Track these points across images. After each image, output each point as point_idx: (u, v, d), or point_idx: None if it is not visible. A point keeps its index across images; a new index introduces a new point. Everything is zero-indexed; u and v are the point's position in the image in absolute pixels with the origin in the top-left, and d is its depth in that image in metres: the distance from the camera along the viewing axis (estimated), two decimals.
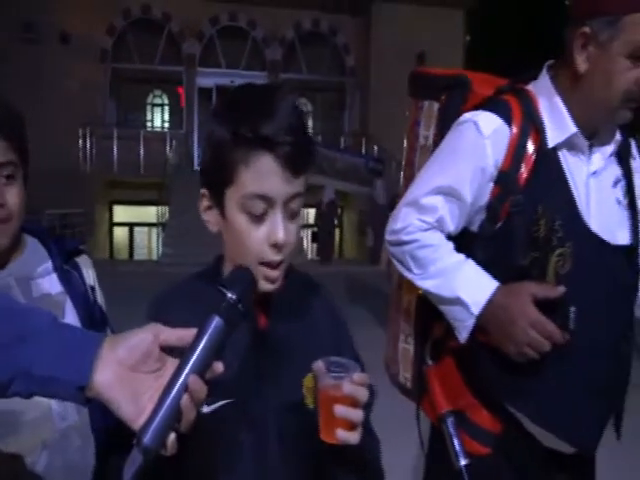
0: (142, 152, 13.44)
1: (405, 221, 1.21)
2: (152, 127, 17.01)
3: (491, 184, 1.14)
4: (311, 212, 12.44)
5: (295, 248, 0.83)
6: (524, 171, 1.11)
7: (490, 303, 1.11)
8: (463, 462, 1.17)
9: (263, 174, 0.76)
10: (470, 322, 1.13)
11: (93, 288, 1.12)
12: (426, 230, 1.19)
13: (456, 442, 1.19)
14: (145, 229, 16.22)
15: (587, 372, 1.11)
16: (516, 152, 1.12)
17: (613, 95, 1.07)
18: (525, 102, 1.14)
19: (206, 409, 0.71)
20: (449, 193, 1.17)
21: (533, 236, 1.09)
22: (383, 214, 9.12)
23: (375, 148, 13.68)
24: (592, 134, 1.16)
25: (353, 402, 0.73)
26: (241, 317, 0.64)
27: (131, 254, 15.91)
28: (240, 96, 0.81)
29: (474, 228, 1.19)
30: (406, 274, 1.24)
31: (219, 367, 0.62)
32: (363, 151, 14.14)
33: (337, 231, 13.39)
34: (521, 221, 1.10)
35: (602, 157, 1.17)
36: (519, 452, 1.18)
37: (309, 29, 15.40)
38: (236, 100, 0.81)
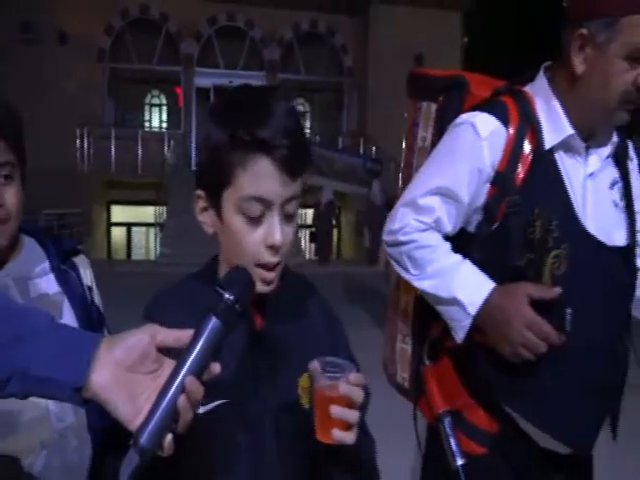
0: (140, 152, 13.42)
1: (402, 221, 1.21)
2: (150, 127, 17.00)
3: (488, 185, 1.15)
4: (309, 212, 12.44)
5: (292, 249, 0.83)
6: (521, 172, 1.12)
7: (486, 303, 1.11)
8: (460, 462, 1.18)
9: (260, 177, 0.76)
10: (467, 322, 1.13)
11: (90, 288, 1.12)
12: (423, 231, 1.19)
13: (453, 442, 1.20)
14: (143, 229, 16.20)
15: (584, 373, 1.11)
16: (513, 153, 1.12)
17: (610, 96, 1.07)
18: (522, 104, 1.15)
19: (201, 409, 0.70)
20: (446, 194, 1.17)
21: (529, 237, 1.10)
22: (380, 214, 9.12)
23: (373, 149, 13.69)
24: (589, 136, 1.16)
25: (349, 402, 0.74)
26: (238, 318, 0.63)
27: (129, 254, 15.89)
28: (237, 98, 0.81)
29: (471, 228, 1.19)
30: (403, 274, 1.24)
31: (216, 368, 0.62)
32: (361, 152, 14.14)
33: (335, 232, 13.39)
34: (517, 222, 1.11)
35: (599, 159, 1.18)
36: (516, 452, 1.18)
37: (307, 29, 15.41)
38: (233, 102, 0.81)
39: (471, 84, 1.25)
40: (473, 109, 1.18)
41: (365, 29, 14.64)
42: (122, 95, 15.97)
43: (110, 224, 15.43)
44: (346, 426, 0.74)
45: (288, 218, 0.81)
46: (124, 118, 16.30)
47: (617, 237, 1.16)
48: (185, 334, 0.61)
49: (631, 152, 1.26)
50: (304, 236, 13.74)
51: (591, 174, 1.16)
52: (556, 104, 1.14)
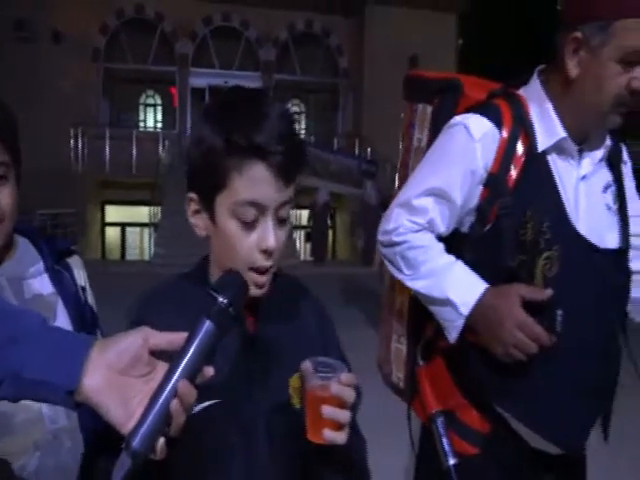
0: (134, 152, 13.39)
1: (396, 222, 1.22)
2: (145, 127, 16.96)
3: (481, 187, 1.15)
4: (304, 213, 12.44)
5: (286, 250, 0.83)
6: (513, 174, 1.12)
7: (479, 304, 1.12)
8: (452, 462, 1.18)
9: (255, 182, 0.77)
10: (459, 322, 1.14)
11: (84, 288, 1.12)
12: (417, 231, 1.20)
13: (445, 442, 1.20)
14: (137, 229, 16.16)
15: (575, 373, 1.12)
16: (505, 155, 1.13)
17: (604, 100, 1.08)
18: (516, 106, 1.15)
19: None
20: (440, 195, 1.18)
21: (521, 239, 1.11)
22: (375, 215, 9.14)
23: (368, 150, 13.71)
24: (582, 139, 1.17)
25: (340, 403, 0.74)
26: (232, 321, 0.63)
27: (123, 254, 15.85)
28: (231, 101, 0.81)
29: (464, 230, 1.20)
30: (397, 275, 1.24)
31: (209, 371, 0.61)
32: (356, 153, 14.16)
33: (330, 232, 13.40)
34: (509, 223, 1.11)
35: (592, 162, 1.18)
36: (508, 452, 1.19)
37: (302, 30, 15.42)
38: (227, 105, 0.80)
39: (465, 86, 1.25)
40: (467, 111, 1.19)
41: (360, 30, 14.66)
42: (117, 95, 15.93)
43: (104, 224, 15.38)
44: (337, 426, 0.74)
45: (281, 222, 0.81)
46: (119, 118, 16.26)
47: (609, 240, 1.17)
48: (178, 337, 0.61)
49: (625, 155, 1.26)
50: (299, 237, 13.74)
51: (584, 177, 1.17)
52: (549, 107, 1.15)
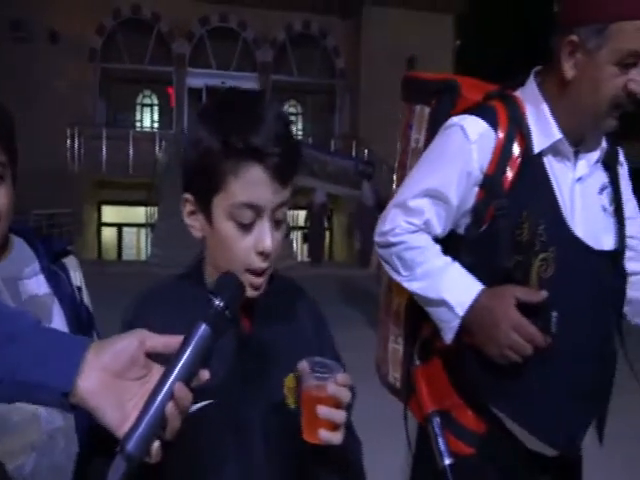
0: (131, 152, 13.37)
1: (393, 223, 1.22)
2: (141, 127, 16.93)
3: (476, 188, 1.16)
4: (301, 214, 12.44)
5: (283, 252, 0.84)
6: (509, 175, 1.13)
7: (474, 305, 1.12)
8: (447, 461, 1.18)
9: (252, 184, 0.77)
10: (455, 323, 1.14)
11: (80, 289, 1.11)
12: (413, 232, 1.20)
13: (441, 442, 1.20)
14: (134, 230, 16.13)
15: (570, 375, 1.12)
16: (501, 157, 1.13)
17: (600, 102, 1.08)
18: (512, 108, 1.16)
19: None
20: (436, 196, 1.18)
21: (516, 240, 1.11)
22: (371, 216, 9.14)
23: (365, 151, 13.72)
24: (578, 141, 1.17)
25: (336, 403, 0.74)
26: (228, 324, 0.63)
27: (119, 255, 15.81)
28: (228, 103, 0.81)
29: (460, 231, 1.20)
30: (394, 275, 1.25)
31: (205, 375, 0.61)
32: (353, 154, 14.17)
33: (327, 234, 13.40)
34: (505, 225, 1.12)
35: (588, 164, 1.19)
36: (503, 453, 1.19)
37: (299, 31, 15.42)
38: (224, 108, 0.80)
39: (463, 87, 1.26)
40: (464, 112, 1.19)
41: (357, 31, 14.67)
42: (113, 95, 15.90)
43: (101, 224, 15.35)
44: (333, 426, 0.74)
45: (277, 224, 0.81)
46: (115, 118, 16.23)
47: (605, 241, 1.17)
48: (174, 340, 0.61)
49: (621, 158, 1.27)
50: (296, 238, 13.74)
51: (579, 178, 1.17)
52: (545, 109, 1.15)
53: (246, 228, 0.79)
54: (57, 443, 0.98)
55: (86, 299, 1.12)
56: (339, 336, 0.97)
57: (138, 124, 17.02)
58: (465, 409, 1.21)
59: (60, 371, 0.58)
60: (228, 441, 0.81)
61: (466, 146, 1.15)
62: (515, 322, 1.07)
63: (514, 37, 17.63)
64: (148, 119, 17.37)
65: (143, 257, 13.33)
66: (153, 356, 0.61)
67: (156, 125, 17.08)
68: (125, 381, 0.59)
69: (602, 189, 1.20)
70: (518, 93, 1.20)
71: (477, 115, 1.16)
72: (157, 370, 0.61)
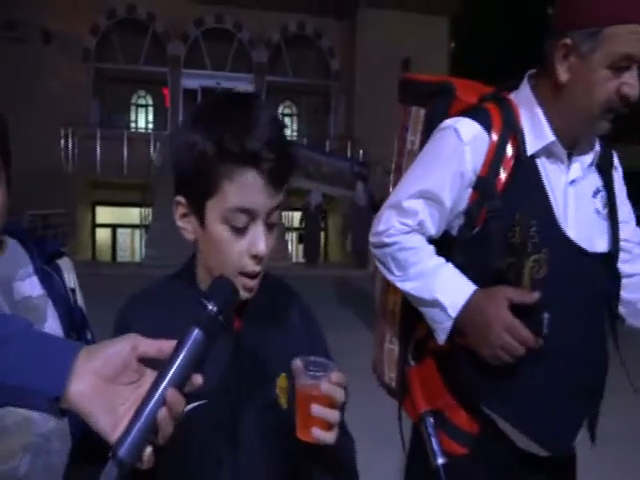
0: (126, 153, 13.33)
1: (387, 223, 1.23)
2: (136, 128, 16.88)
3: (470, 189, 1.16)
4: (296, 215, 12.44)
5: (277, 254, 0.84)
6: (502, 177, 1.13)
7: (467, 306, 1.13)
8: (440, 461, 1.19)
9: (247, 188, 0.77)
10: (448, 324, 1.15)
11: (74, 290, 1.11)
12: (407, 233, 1.21)
13: (434, 441, 1.21)
14: (128, 230, 16.08)
15: (563, 376, 1.13)
16: (495, 159, 1.14)
17: (594, 105, 1.09)
18: (506, 110, 1.16)
19: None
20: (429, 197, 1.19)
21: (509, 241, 1.12)
22: (364, 216, 9.16)
23: (360, 152, 13.74)
24: (572, 144, 1.18)
25: (330, 402, 0.74)
26: (221, 329, 0.63)
27: (114, 256, 15.75)
28: (222, 106, 0.81)
29: (454, 232, 1.21)
30: (388, 276, 1.25)
31: (198, 380, 0.60)
32: (348, 155, 14.18)
33: (322, 234, 13.40)
34: (498, 226, 1.12)
35: (581, 166, 1.19)
36: (496, 453, 1.20)
37: (295, 32, 15.43)
38: (218, 110, 0.80)
39: (458, 90, 1.26)
40: (458, 115, 1.19)
41: (352, 32, 14.70)
42: (108, 95, 15.86)
43: (95, 225, 15.29)
44: (327, 425, 0.74)
45: (271, 227, 0.81)
46: (110, 118, 16.18)
47: (598, 244, 1.18)
48: (167, 345, 0.60)
49: (615, 161, 1.28)
50: (291, 239, 13.73)
51: (573, 181, 1.18)
52: (539, 112, 1.16)
53: (240, 232, 0.79)
54: (52, 444, 0.98)
55: (80, 300, 1.12)
56: (334, 337, 0.97)
57: (133, 125, 16.97)
58: (458, 409, 1.21)
59: (51, 376, 0.57)
60: (221, 441, 0.81)
61: (460, 148, 1.15)
62: (507, 323, 1.07)
63: (508, 40, 17.71)
64: (143, 120, 17.32)
65: (137, 258, 13.28)
66: (146, 360, 0.61)
67: (151, 126, 17.03)
68: (117, 386, 0.59)
69: (596, 192, 1.21)
70: (512, 96, 1.21)
71: (471, 117, 1.16)
72: (150, 375, 0.60)
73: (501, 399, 1.15)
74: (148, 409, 0.57)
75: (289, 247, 12.98)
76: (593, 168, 1.22)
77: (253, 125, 0.76)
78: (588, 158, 1.20)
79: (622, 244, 1.22)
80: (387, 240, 1.22)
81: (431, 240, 1.23)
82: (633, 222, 1.29)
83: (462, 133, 1.15)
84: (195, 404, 0.78)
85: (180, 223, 0.84)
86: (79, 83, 13.99)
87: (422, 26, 14.13)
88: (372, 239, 1.27)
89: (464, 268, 1.17)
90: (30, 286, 1.03)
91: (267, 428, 0.83)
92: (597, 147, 1.21)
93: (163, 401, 0.57)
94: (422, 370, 1.29)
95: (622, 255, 1.22)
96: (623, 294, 1.24)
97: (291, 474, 0.84)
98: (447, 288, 1.15)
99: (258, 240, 0.79)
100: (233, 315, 0.85)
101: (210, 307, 0.62)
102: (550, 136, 1.14)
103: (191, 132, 0.79)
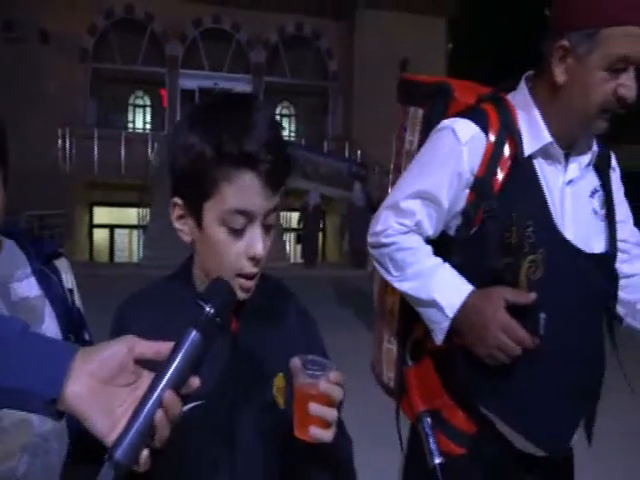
0: (123, 153, 13.31)
1: (385, 224, 1.23)
2: (134, 128, 16.86)
3: (467, 190, 1.17)
4: (294, 216, 12.43)
5: (275, 254, 0.84)
6: (499, 178, 1.14)
7: (464, 306, 1.13)
8: (437, 461, 1.19)
9: (245, 190, 0.77)
10: (445, 324, 1.15)
11: (71, 291, 1.11)
12: (405, 233, 1.21)
13: (431, 441, 1.21)
14: (126, 231, 16.06)
15: (559, 376, 1.13)
16: (492, 159, 1.14)
17: (591, 106, 1.09)
18: (503, 111, 1.17)
19: None
20: (427, 197, 1.19)
21: (506, 242, 1.12)
22: (361, 217, 9.16)
23: (358, 153, 13.75)
24: (569, 144, 1.18)
25: (328, 401, 0.74)
26: (219, 330, 0.62)
27: (111, 256, 15.73)
28: (219, 108, 0.80)
29: (451, 232, 1.21)
30: (385, 276, 1.26)
31: (195, 382, 0.60)
32: (346, 156, 14.19)
33: (320, 235, 13.41)
34: (495, 226, 1.13)
35: (578, 167, 1.20)
36: (493, 453, 1.20)
37: (293, 33, 15.44)
38: (216, 112, 0.80)
39: (456, 90, 1.27)
40: (456, 115, 1.20)
41: (350, 33, 14.72)
42: (105, 95, 15.83)
43: (92, 226, 15.26)
44: (324, 424, 0.74)
45: (268, 228, 0.82)
46: (107, 119, 16.16)
47: (596, 244, 1.18)
48: (164, 347, 0.60)
49: (613, 162, 1.28)
50: (289, 239, 13.73)
51: (570, 181, 1.18)
52: (536, 113, 1.16)
53: (237, 233, 0.79)
54: (50, 444, 0.98)
55: (77, 301, 1.12)
56: (332, 337, 0.97)
57: (130, 125, 16.95)
58: (455, 409, 1.21)
59: (47, 378, 0.57)
60: (218, 444, 0.81)
61: (457, 148, 1.16)
62: (504, 324, 1.07)
63: (505, 41, 17.75)
64: (140, 120, 17.30)
65: (135, 259, 13.26)
66: (143, 362, 0.60)
67: (148, 126, 17.02)
68: (114, 387, 0.58)
69: (593, 192, 1.21)
70: (509, 97, 1.21)
71: (468, 118, 1.16)
72: (147, 376, 0.60)
73: (498, 399, 1.16)
74: (145, 411, 0.56)
75: (287, 247, 12.97)
76: (591, 168, 1.22)
77: (251, 127, 0.76)
78: (586, 158, 1.20)
79: (620, 244, 1.22)
80: (385, 240, 1.22)
81: (428, 240, 1.23)
82: (631, 222, 1.30)
83: (460, 134, 1.15)
84: (192, 405, 0.78)
85: (177, 225, 0.84)
86: (77, 83, 13.96)
87: (420, 27, 14.16)
88: (370, 239, 1.27)
89: (461, 268, 1.17)
90: (28, 287, 1.03)
91: (264, 429, 0.83)
92: (595, 147, 1.21)
93: (160, 403, 0.57)
94: (420, 370, 1.29)
95: (620, 255, 1.22)
96: (621, 294, 1.25)
97: (288, 473, 0.84)
98: (444, 288, 1.15)
99: (255, 242, 0.79)
100: (230, 316, 0.85)
101: (207, 309, 0.62)
102: (547, 137, 1.15)
103: (189, 134, 0.78)
